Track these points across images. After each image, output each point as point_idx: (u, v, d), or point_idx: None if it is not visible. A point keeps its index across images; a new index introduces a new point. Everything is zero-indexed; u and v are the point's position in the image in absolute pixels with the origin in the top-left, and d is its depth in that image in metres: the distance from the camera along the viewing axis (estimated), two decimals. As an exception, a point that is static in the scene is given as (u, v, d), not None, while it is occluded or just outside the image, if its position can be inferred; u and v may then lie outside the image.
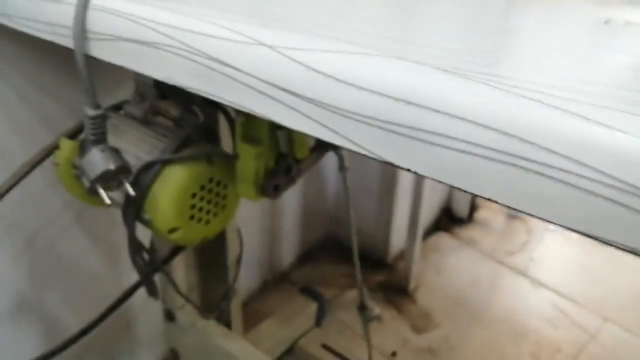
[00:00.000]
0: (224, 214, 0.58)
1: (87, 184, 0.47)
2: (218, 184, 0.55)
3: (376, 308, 0.88)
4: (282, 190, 0.56)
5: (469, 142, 0.24)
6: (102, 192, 0.46)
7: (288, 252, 1.47)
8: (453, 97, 0.24)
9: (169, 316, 0.89)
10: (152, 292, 0.66)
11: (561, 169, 0.22)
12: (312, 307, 1.26)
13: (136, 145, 0.56)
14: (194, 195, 0.53)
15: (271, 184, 0.55)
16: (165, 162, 0.52)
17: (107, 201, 0.47)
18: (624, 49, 0.34)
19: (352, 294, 1.39)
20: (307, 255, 1.53)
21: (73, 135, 0.60)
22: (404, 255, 1.44)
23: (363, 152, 0.29)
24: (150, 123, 0.59)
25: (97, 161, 0.46)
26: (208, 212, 0.56)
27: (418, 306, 1.40)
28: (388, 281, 1.48)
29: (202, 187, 0.54)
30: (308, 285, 1.29)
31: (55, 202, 0.81)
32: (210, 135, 0.59)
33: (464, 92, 0.25)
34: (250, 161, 0.53)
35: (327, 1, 0.42)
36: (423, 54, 0.29)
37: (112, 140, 0.53)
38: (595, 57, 0.32)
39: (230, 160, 0.55)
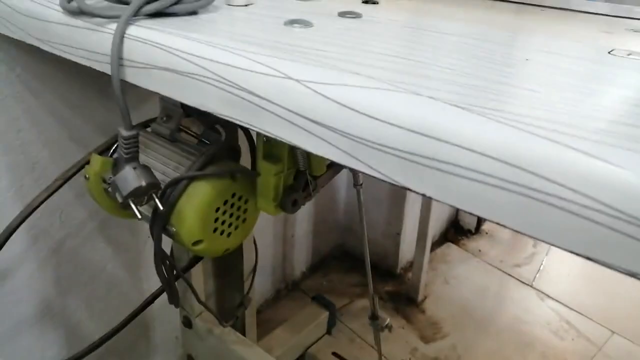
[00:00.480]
0: (244, 227, 0.61)
1: (119, 199, 0.50)
2: (240, 198, 0.59)
3: (387, 318, 0.90)
4: (299, 205, 0.59)
5: (478, 172, 0.27)
6: (134, 207, 0.49)
7: (300, 261, 1.50)
8: (464, 132, 0.27)
9: (187, 323, 0.92)
10: (174, 300, 0.69)
11: (563, 198, 0.25)
12: (323, 315, 1.29)
13: (163, 162, 0.59)
14: (217, 210, 0.56)
15: (290, 200, 0.58)
16: (192, 179, 0.55)
17: (139, 215, 0.50)
18: (625, 83, 0.37)
19: (362, 303, 1.42)
20: (319, 265, 1.56)
21: (102, 151, 0.64)
22: (413, 265, 1.47)
23: (381, 177, 0.32)
24: (176, 140, 0.62)
25: (130, 178, 0.49)
26: (230, 225, 0.59)
27: (426, 316, 1.42)
28: (397, 291, 1.50)
29: (226, 202, 0.57)
30: (319, 294, 1.32)
31: (80, 212, 0.84)
32: (232, 152, 0.63)
33: (474, 127, 0.28)
34: (271, 178, 0.56)
35: (348, 36, 0.45)
36: (436, 88, 0.32)
37: (141, 156, 0.57)
38: (597, 92, 0.35)
39: (251, 176, 0.58)
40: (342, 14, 0.53)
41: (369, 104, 0.31)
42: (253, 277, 0.94)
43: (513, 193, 0.26)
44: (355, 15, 0.53)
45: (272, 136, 0.36)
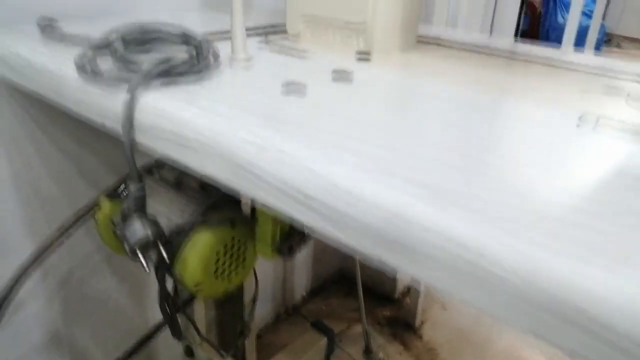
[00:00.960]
0: (243, 269, 0.65)
1: (127, 249, 0.54)
2: (239, 243, 0.62)
3: (379, 352, 0.93)
4: (295, 251, 0.63)
5: (444, 253, 0.31)
6: (142, 258, 0.53)
7: (300, 286, 1.53)
8: (430, 220, 0.31)
9: (189, 352, 0.96)
10: (176, 333, 0.73)
11: (507, 282, 0.29)
12: (322, 341, 1.32)
13: (168, 207, 0.63)
14: (218, 255, 0.60)
15: (286, 245, 0.62)
16: (194, 227, 0.59)
17: (147, 269, 0.54)
18: (582, 163, 0.40)
19: (360, 328, 1.45)
20: (319, 290, 1.59)
21: (111, 194, 0.68)
22: (410, 290, 1.49)
23: (359, 250, 0.36)
24: (180, 185, 0.66)
25: (137, 229, 0.53)
26: (230, 268, 0.63)
27: (423, 341, 1.45)
28: (395, 316, 1.53)
29: (226, 247, 0.61)
30: (318, 320, 1.35)
31: (87, 245, 0.88)
32: (232, 197, 0.66)
33: (441, 218, 0.31)
34: (268, 225, 0.60)
35: (338, 106, 0.49)
36: (413, 167, 0.36)
37: (148, 200, 0.60)
38: (556, 177, 0.37)
39: (250, 222, 0.62)
40: (336, 77, 0.57)
41: (349, 183, 0.35)
42: (254, 307, 0.97)
43: (469, 275, 0.30)
44: (347, 78, 0.57)
45: (266, 205, 0.40)
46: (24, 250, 0.76)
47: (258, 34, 0.78)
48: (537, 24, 4.12)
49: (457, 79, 0.60)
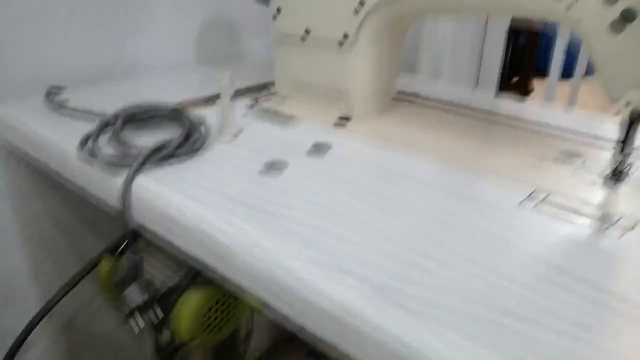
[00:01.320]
0: (233, 320, 0.70)
1: (126, 311, 0.60)
2: (230, 296, 0.68)
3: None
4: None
5: (388, 348, 0.37)
6: (136, 322, 0.59)
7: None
8: (377, 321, 0.37)
9: (187, 388, 1.01)
10: (173, 377, 0.78)
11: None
12: (317, 369, 1.37)
13: (162, 270, 0.69)
14: (209, 311, 0.66)
15: (271, 301, 0.67)
16: (188, 286, 0.65)
17: (136, 330, 0.60)
18: (511, 259, 0.43)
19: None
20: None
21: (112, 250, 0.74)
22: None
23: (320, 338, 0.41)
24: (175, 243, 0.72)
25: (135, 295, 0.59)
26: (221, 320, 0.68)
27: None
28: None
29: (217, 303, 0.67)
30: (314, 349, 1.40)
31: (90, 288, 0.94)
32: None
33: (385, 318, 0.37)
34: (255, 284, 0.66)
35: (310, 191, 0.54)
36: (371, 265, 0.41)
37: (145, 264, 0.66)
38: (486, 277, 0.41)
39: (239, 280, 0.68)
40: (311, 150, 0.63)
41: (309, 284, 0.41)
42: (247, 343, 1.03)
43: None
44: (322, 152, 0.62)
45: (247, 290, 0.46)
46: (32, 299, 0.82)
47: (248, 94, 0.84)
48: (536, 39, 4.18)
49: (426, 152, 0.64)
